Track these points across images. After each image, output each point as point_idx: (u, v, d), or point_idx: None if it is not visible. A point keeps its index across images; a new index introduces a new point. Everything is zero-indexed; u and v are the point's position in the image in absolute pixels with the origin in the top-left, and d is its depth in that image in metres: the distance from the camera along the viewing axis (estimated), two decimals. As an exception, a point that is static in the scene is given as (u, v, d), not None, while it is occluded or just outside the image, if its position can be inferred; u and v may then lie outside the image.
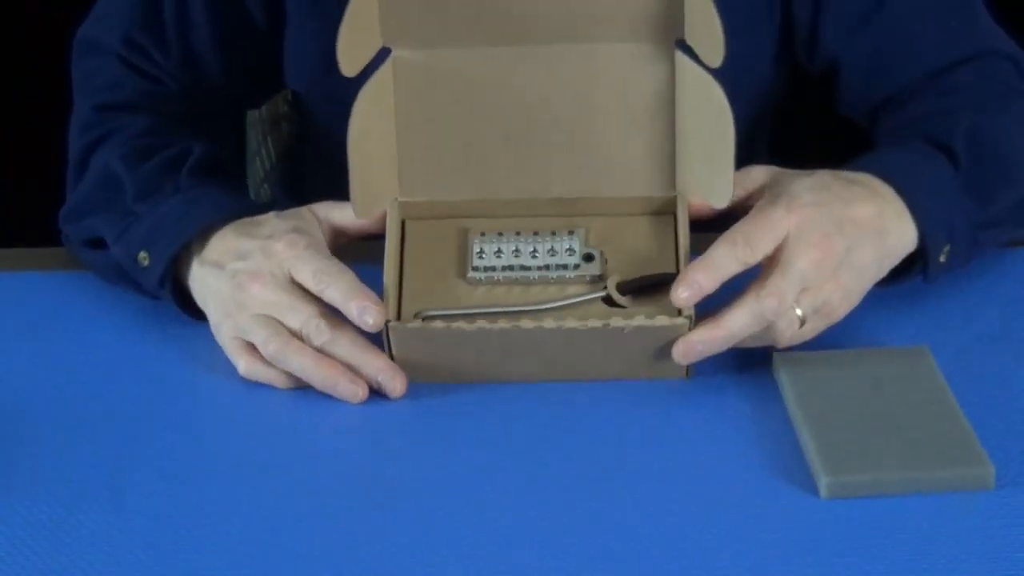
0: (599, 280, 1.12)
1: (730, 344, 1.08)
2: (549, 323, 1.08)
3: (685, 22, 1.11)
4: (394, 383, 1.10)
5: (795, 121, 1.47)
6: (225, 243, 1.15)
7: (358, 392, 1.10)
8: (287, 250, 1.12)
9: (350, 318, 1.09)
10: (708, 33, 1.09)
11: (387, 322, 1.09)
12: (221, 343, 1.14)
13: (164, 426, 1.09)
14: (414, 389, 1.11)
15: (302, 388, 1.11)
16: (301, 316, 1.11)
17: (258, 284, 1.12)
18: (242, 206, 1.19)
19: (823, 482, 0.99)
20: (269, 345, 1.10)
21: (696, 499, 1.00)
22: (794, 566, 0.94)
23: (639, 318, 1.08)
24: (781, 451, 1.04)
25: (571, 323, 1.08)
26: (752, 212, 1.10)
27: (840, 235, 1.09)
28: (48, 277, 1.27)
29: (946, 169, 1.17)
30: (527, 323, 1.08)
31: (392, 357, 1.11)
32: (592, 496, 1.01)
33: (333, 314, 1.11)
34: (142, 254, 1.17)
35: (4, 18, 2.28)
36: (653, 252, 1.14)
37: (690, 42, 1.12)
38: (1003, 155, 1.20)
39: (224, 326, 1.13)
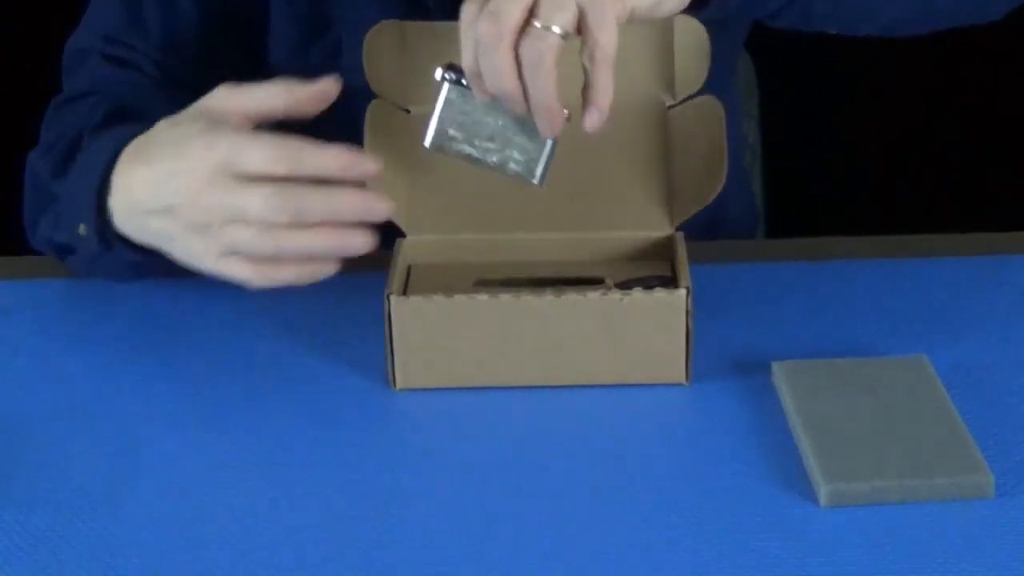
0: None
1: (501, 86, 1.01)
2: (549, 295, 1.09)
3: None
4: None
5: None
6: (129, 179, 1.10)
7: (368, 241, 1.05)
8: (206, 152, 1.05)
9: (343, 178, 1.04)
10: None
11: (389, 295, 1.10)
12: (210, 272, 1.08)
13: (162, 435, 1.09)
14: (412, 396, 1.11)
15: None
16: (256, 203, 1.04)
17: (202, 201, 1.05)
18: (127, 133, 1.12)
19: (823, 490, 0.99)
20: (256, 246, 1.05)
21: (695, 507, 1.00)
22: (793, 574, 0.94)
23: (637, 290, 1.09)
24: (780, 459, 1.04)
25: (571, 295, 1.09)
26: None
27: None
28: (44, 285, 1.27)
29: None
30: (528, 296, 1.09)
31: (393, 339, 1.10)
32: (590, 503, 1.01)
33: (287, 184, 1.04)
34: (81, 228, 1.13)
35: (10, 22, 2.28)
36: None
37: None
38: None
39: (203, 260, 1.08)
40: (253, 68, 1.35)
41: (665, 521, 0.99)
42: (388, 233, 1.18)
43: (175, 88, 1.28)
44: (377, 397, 1.11)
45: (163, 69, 1.29)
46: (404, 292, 1.14)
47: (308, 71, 1.29)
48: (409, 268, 1.18)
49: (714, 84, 1.18)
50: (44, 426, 1.10)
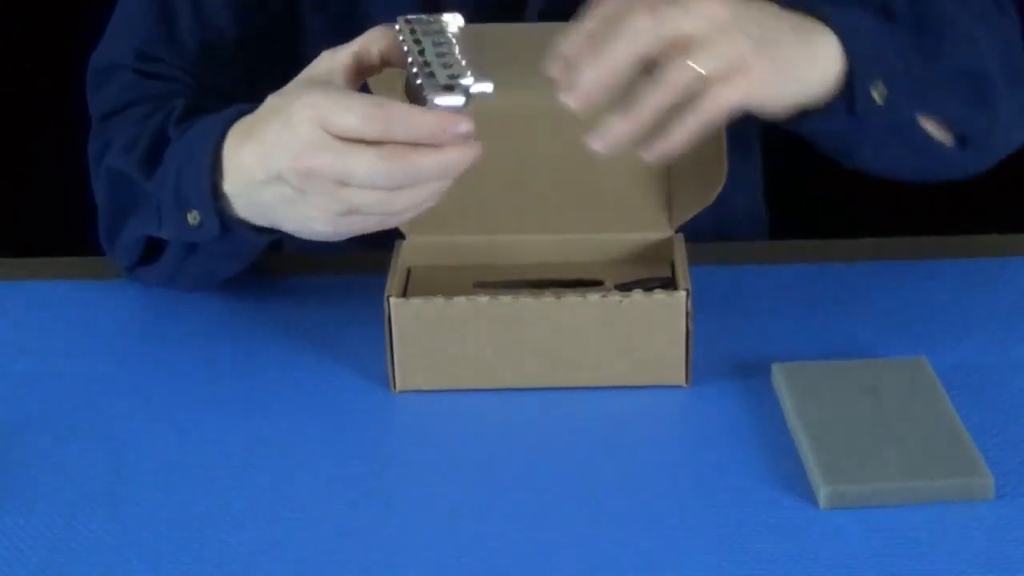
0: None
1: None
2: (549, 297, 1.09)
3: None
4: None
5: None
6: (240, 158, 1.08)
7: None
8: (307, 111, 1.02)
9: (439, 142, 1.00)
10: None
11: (389, 297, 1.10)
12: (328, 236, 1.07)
13: (162, 436, 1.09)
14: (412, 398, 1.11)
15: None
16: (363, 169, 1.00)
17: (306, 161, 1.01)
18: (228, 117, 1.11)
19: (822, 492, 0.99)
20: (373, 208, 1.02)
21: (695, 508, 1.00)
22: (793, 576, 0.94)
23: (636, 292, 1.09)
24: (780, 461, 1.04)
25: (570, 297, 1.09)
26: None
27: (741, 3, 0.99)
28: (45, 285, 1.27)
29: (880, 18, 1.09)
30: (527, 299, 1.09)
31: (393, 341, 1.10)
32: (590, 504, 1.00)
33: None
34: (190, 216, 1.11)
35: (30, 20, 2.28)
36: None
37: None
38: (946, 20, 1.13)
39: (320, 223, 1.05)
40: (289, 76, 1.34)
41: (665, 522, 0.99)
42: (388, 235, 1.18)
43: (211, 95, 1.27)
44: (377, 398, 1.11)
45: (199, 81, 1.28)
46: (404, 294, 1.14)
47: None
48: (409, 270, 1.18)
49: None
50: (44, 426, 1.10)
